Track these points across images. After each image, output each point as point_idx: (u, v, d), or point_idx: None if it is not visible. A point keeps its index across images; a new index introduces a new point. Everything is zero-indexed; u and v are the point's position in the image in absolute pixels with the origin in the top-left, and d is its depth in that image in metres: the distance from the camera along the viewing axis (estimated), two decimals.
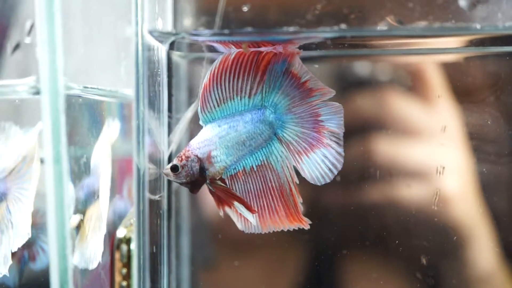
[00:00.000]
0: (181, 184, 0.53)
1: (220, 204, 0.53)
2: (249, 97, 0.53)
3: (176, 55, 0.63)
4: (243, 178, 0.53)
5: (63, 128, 0.46)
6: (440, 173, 0.62)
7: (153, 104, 0.52)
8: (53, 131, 0.45)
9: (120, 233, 0.52)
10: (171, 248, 0.61)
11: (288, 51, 0.52)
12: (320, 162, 0.53)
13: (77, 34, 0.56)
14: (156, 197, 0.53)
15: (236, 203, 0.52)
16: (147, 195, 0.49)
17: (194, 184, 0.53)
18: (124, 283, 0.50)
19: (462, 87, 0.62)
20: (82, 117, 0.63)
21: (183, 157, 0.53)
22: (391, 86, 0.63)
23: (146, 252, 0.49)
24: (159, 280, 0.55)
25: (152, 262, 0.52)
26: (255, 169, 0.53)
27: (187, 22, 0.58)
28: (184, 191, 0.67)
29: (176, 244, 0.64)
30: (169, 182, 0.59)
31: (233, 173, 0.53)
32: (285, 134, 0.53)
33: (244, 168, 0.53)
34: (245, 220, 0.53)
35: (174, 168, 0.53)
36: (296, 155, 0.53)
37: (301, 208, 0.53)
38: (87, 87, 0.50)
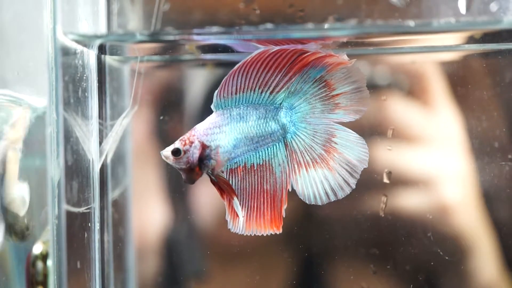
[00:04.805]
0: (179, 170, 0.50)
1: (223, 195, 0.51)
2: (271, 93, 0.50)
3: (114, 60, 0.60)
4: (242, 175, 0.51)
5: None
6: (440, 181, 0.61)
7: (77, 111, 0.50)
8: None
9: (37, 249, 0.49)
10: (108, 262, 0.58)
11: (336, 59, 0.49)
12: (317, 182, 0.50)
13: None
14: (81, 210, 0.51)
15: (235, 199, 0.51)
16: (64, 207, 0.46)
17: (192, 173, 0.50)
18: None
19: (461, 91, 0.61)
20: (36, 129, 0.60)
21: (187, 141, 0.50)
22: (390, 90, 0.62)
23: (63, 269, 0.46)
24: None
25: (76, 278, 0.49)
26: (255, 167, 0.51)
27: (129, 25, 0.56)
28: (127, 202, 0.64)
29: (116, 258, 0.61)
30: (102, 193, 0.56)
31: (233, 167, 0.51)
32: (293, 141, 0.51)
33: (245, 163, 0.51)
34: (234, 219, 0.51)
35: (176, 152, 0.50)
36: (296, 166, 0.51)
37: (283, 214, 0.51)
38: None
